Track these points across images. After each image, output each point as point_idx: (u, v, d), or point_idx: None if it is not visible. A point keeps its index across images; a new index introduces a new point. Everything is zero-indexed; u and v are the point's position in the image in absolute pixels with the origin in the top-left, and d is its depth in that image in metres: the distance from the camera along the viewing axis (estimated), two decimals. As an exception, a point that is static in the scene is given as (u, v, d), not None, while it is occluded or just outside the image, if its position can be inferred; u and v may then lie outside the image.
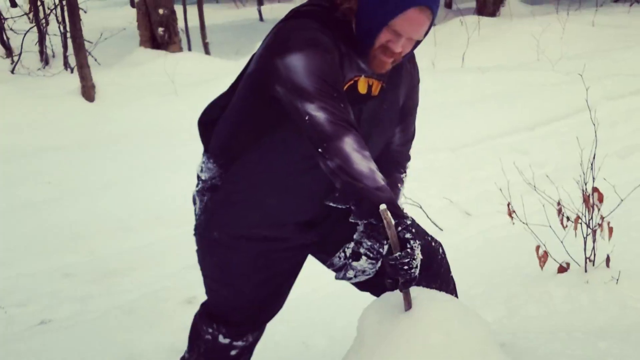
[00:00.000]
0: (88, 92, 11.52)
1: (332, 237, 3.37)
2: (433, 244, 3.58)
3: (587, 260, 4.96)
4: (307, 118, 2.80)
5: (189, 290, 5.72)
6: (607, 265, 4.83)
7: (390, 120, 3.26)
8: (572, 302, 4.60)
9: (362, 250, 2.95)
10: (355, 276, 3.02)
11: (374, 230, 2.90)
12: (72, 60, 13.62)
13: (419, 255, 2.78)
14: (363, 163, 2.78)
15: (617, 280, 4.64)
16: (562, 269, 5.03)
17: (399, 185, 3.44)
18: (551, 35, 14.60)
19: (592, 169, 5.18)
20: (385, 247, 2.89)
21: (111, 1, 29.74)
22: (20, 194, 8.15)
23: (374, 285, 3.39)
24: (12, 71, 14.48)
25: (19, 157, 9.41)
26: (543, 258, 4.93)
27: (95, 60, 14.25)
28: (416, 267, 2.76)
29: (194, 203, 3.44)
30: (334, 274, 3.11)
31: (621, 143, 8.70)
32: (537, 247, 4.93)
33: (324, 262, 3.47)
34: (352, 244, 2.98)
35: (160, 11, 14.54)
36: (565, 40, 14.34)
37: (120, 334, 5.18)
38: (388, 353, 2.91)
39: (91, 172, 8.78)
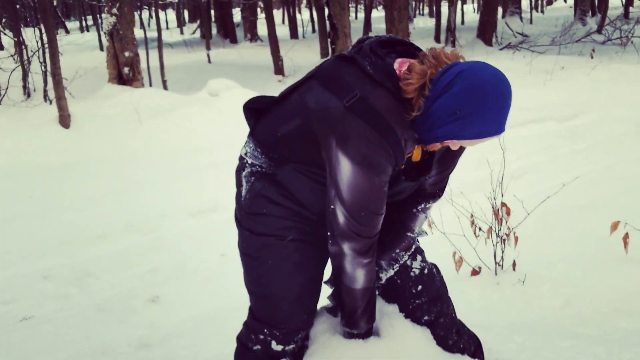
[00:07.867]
0: (64, 120, 11.31)
1: None
2: (433, 270, 3.42)
3: (497, 265, 4.86)
4: (332, 207, 2.72)
5: (153, 289, 5.65)
6: (514, 269, 4.76)
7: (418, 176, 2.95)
8: (486, 300, 4.51)
9: None
10: None
11: None
12: (51, 94, 13.47)
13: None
14: (354, 276, 2.83)
15: (523, 282, 4.57)
16: (475, 272, 4.94)
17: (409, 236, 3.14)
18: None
19: (501, 186, 5.07)
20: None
21: (84, 46, 29.38)
22: (7, 206, 7.87)
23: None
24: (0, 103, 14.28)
25: (6, 176, 9.14)
26: (459, 262, 4.83)
27: (70, 94, 13.94)
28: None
29: (239, 185, 3.04)
30: None
31: (514, 165, 8.63)
32: (454, 253, 4.83)
33: None
34: None
35: (126, 54, 14.38)
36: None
37: (95, 328, 4.99)
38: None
39: (68, 189, 8.56)
